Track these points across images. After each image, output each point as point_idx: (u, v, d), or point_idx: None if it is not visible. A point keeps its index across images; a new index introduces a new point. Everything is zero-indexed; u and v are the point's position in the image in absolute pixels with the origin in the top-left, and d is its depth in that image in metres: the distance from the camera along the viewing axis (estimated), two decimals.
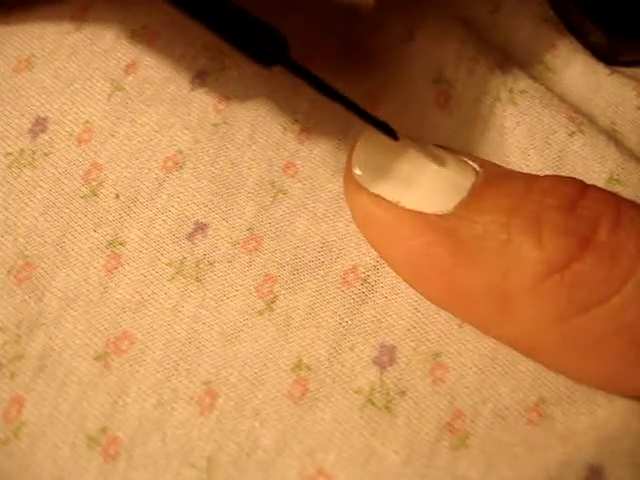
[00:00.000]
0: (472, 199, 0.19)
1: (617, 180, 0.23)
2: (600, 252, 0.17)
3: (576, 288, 0.17)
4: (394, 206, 0.19)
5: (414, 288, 0.20)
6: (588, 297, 0.17)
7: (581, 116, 0.24)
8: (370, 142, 0.20)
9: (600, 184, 0.23)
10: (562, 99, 0.24)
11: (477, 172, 0.19)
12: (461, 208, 0.19)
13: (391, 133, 0.19)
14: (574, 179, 0.19)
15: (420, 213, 0.19)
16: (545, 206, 0.18)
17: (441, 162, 0.19)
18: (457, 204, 0.19)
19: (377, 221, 0.20)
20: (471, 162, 0.19)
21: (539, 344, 0.18)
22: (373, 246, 0.21)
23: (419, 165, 0.19)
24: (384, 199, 0.19)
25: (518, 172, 0.20)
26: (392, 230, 0.19)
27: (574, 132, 0.23)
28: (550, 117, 0.24)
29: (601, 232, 0.17)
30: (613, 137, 0.24)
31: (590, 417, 0.19)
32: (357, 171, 0.20)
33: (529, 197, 0.18)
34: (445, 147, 0.21)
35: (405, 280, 0.20)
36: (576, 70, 0.26)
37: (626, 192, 0.23)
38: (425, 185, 0.19)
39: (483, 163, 0.20)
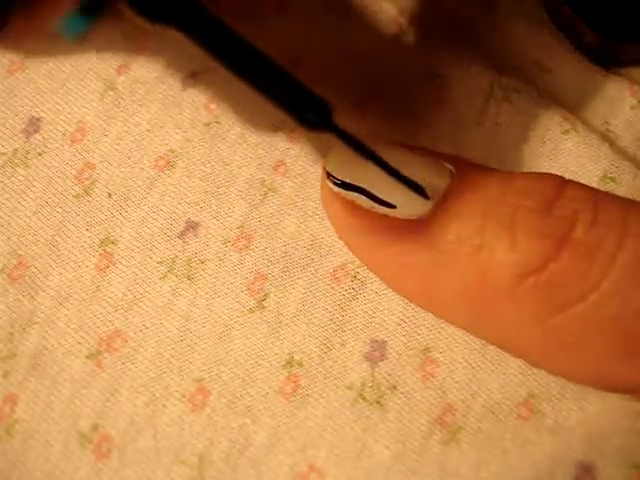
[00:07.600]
0: (446, 204, 0.18)
1: (611, 178, 0.23)
2: (577, 250, 0.17)
3: (553, 288, 0.17)
4: (369, 212, 0.19)
5: (396, 293, 0.20)
6: (566, 296, 0.17)
7: (575, 115, 0.24)
8: (342, 151, 0.19)
9: (593, 182, 0.23)
10: (556, 99, 0.24)
11: (452, 174, 0.19)
12: (435, 213, 0.18)
13: (422, 193, 0.18)
14: (552, 176, 0.19)
15: (394, 219, 0.18)
16: (520, 208, 0.18)
17: (415, 167, 0.19)
18: (431, 209, 0.18)
19: (354, 229, 0.19)
20: (446, 164, 0.19)
21: (522, 345, 0.18)
22: (353, 253, 0.21)
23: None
24: (359, 206, 0.19)
25: (496, 171, 0.19)
26: (368, 238, 0.19)
27: (568, 130, 0.23)
28: (544, 115, 0.24)
29: (578, 230, 0.17)
30: (607, 136, 0.24)
31: (580, 413, 0.19)
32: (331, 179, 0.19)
33: (504, 200, 0.18)
34: (419, 148, 0.20)
35: (387, 285, 0.20)
36: (570, 71, 0.26)
37: (619, 191, 0.22)
38: (398, 191, 0.18)
39: (458, 163, 0.19)
